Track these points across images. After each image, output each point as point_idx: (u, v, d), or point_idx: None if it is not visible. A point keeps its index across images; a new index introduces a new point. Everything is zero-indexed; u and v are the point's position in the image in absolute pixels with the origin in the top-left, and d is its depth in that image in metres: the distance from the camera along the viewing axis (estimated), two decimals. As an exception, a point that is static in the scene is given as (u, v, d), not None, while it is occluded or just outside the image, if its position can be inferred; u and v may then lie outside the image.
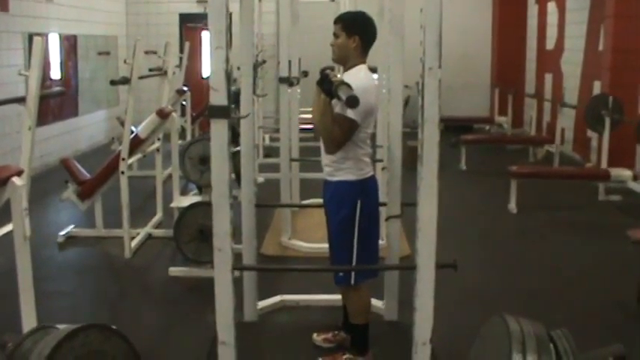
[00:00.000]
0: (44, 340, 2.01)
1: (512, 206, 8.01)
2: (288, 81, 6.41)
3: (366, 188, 3.93)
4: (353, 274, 3.93)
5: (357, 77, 3.73)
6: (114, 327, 2.31)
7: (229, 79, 2.90)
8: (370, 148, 4.00)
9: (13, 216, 3.48)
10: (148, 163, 8.82)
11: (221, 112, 2.88)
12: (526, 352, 2.04)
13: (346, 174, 3.86)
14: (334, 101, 3.64)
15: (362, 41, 3.86)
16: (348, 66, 3.90)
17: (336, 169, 3.88)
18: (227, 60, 2.85)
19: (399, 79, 4.46)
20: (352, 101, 3.32)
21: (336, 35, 3.91)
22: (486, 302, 5.18)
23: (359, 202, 3.84)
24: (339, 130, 3.69)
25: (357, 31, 3.87)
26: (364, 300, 4.09)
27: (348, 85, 3.43)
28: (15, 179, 3.44)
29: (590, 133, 10.10)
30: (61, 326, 2.27)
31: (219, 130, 2.90)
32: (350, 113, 3.62)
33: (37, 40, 3.91)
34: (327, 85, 3.59)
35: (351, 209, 3.84)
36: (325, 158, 3.93)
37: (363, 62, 3.90)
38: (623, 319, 5.00)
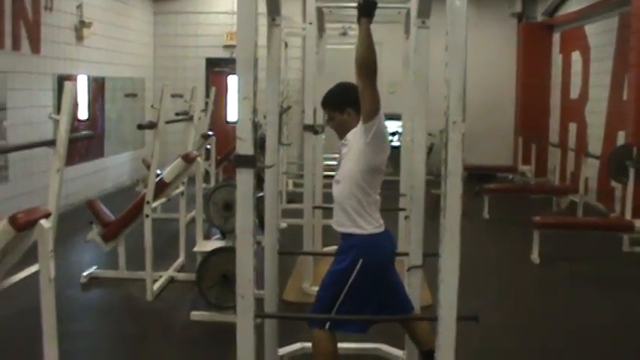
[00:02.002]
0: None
1: (535, 257, 7.96)
2: (313, 129, 6.46)
3: (375, 246, 3.90)
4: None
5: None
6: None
7: (256, 128, 2.94)
8: (379, 196, 4.00)
9: (39, 258, 3.52)
10: (171, 206, 8.88)
11: (247, 161, 2.91)
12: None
13: (354, 226, 3.87)
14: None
15: (355, 108, 3.89)
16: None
17: (346, 219, 3.89)
18: (254, 110, 2.90)
19: (423, 127, 4.48)
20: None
21: (331, 118, 4.04)
22: (506, 355, 5.14)
23: (360, 260, 3.82)
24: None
25: (347, 104, 3.94)
26: (331, 346, 3.99)
27: None
28: (43, 222, 3.48)
29: (614, 183, 10.06)
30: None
31: (244, 179, 2.93)
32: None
33: (67, 84, 4.00)
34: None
35: (350, 265, 3.83)
36: (336, 208, 3.96)
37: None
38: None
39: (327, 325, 3.90)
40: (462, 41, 2.82)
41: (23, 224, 3.41)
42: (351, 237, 3.89)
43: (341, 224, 3.94)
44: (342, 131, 4.01)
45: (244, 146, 2.91)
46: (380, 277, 3.96)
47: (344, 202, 3.89)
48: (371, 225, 3.87)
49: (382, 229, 3.95)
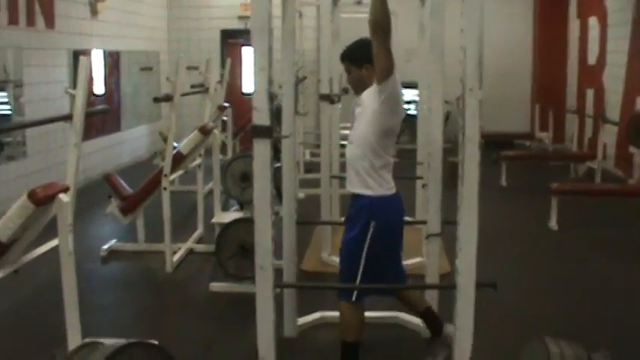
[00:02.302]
0: (91, 357, 2.06)
1: (553, 224, 7.95)
2: (329, 98, 6.44)
3: (385, 207, 3.90)
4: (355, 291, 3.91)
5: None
6: (159, 344, 2.35)
7: (272, 99, 2.94)
8: (392, 158, 3.98)
9: (59, 232, 3.55)
10: (189, 179, 8.91)
11: (264, 132, 2.92)
12: (567, 375, 2.05)
13: (365, 187, 3.87)
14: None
15: (373, 65, 3.88)
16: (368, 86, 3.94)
17: (358, 180, 3.89)
18: (270, 81, 2.90)
19: (440, 95, 4.47)
20: None
21: (348, 71, 4.02)
22: (526, 323, 5.14)
23: (372, 223, 3.82)
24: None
25: (365, 60, 3.88)
26: (358, 317, 4.03)
27: None
28: (61, 196, 3.51)
29: (632, 149, 9.99)
30: (106, 341, 2.32)
31: (261, 149, 2.94)
32: None
33: (82, 59, 4.00)
34: None
35: (364, 228, 3.84)
36: (348, 170, 3.95)
37: None
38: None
39: (355, 296, 3.91)
40: (478, 6, 2.80)
41: (42, 199, 3.44)
42: (361, 198, 3.90)
43: (353, 185, 3.95)
44: (358, 87, 4.00)
45: (261, 117, 2.91)
46: (393, 237, 3.99)
47: (356, 164, 3.90)
48: (382, 187, 3.87)
49: (393, 191, 3.94)
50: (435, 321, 4.20)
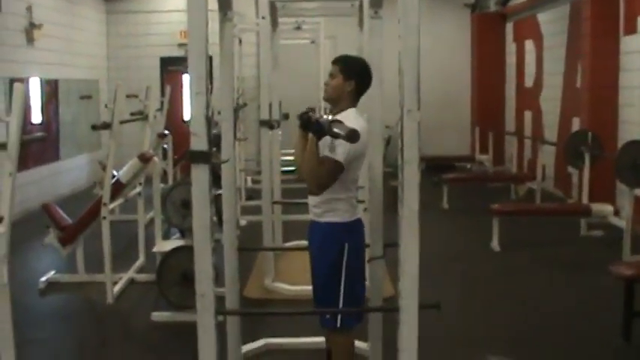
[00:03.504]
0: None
1: (495, 244, 8.04)
2: (269, 124, 6.43)
3: (354, 230, 3.95)
4: (339, 317, 3.91)
5: (348, 119, 3.71)
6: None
7: (210, 124, 2.91)
8: (357, 190, 4.02)
9: (-8, 264, 3.46)
10: (129, 208, 8.79)
11: (202, 157, 2.89)
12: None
13: (335, 216, 3.87)
14: (321, 142, 3.65)
15: (357, 87, 3.88)
16: (338, 109, 3.90)
17: (325, 210, 3.88)
18: (207, 105, 2.87)
19: (379, 119, 4.48)
20: (352, 135, 3.34)
21: (332, 75, 3.93)
22: (471, 343, 5.18)
23: (346, 245, 3.85)
24: (325, 172, 3.70)
25: (355, 76, 3.89)
26: (349, 343, 4.07)
27: (340, 122, 3.45)
28: (-5, 227, 3.42)
29: (570, 169, 10.19)
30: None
31: (200, 175, 2.91)
32: (337, 155, 3.63)
33: (17, 86, 3.92)
34: (316, 126, 3.59)
35: (339, 253, 3.85)
36: (312, 200, 3.93)
37: (354, 107, 3.92)
38: (609, 355, 5.00)
39: (339, 323, 3.92)
40: (415, 29, 2.81)
41: (-25, 229, 3.34)
42: (331, 225, 3.93)
43: (320, 216, 3.95)
44: (332, 95, 3.95)
45: (199, 142, 2.88)
46: (362, 260, 4.10)
47: (324, 196, 3.90)
48: (349, 213, 3.92)
49: (359, 216, 4.07)
50: None
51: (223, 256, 4.49)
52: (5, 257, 3.47)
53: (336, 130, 3.41)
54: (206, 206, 2.92)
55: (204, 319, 3.00)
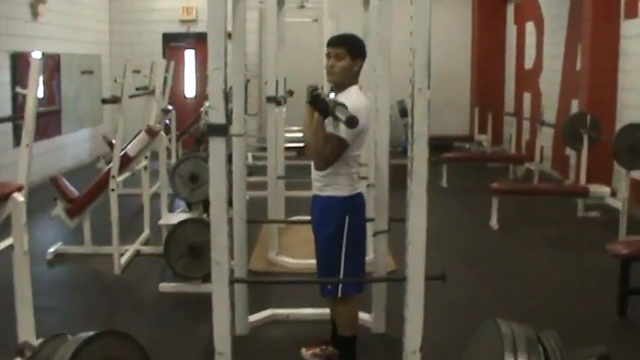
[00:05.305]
0: (63, 347, 2.11)
1: (494, 223, 8.16)
2: (276, 100, 6.53)
3: (355, 204, 4.08)
4: (341, 286, 4.05)
5: (351, 98, 3.85)
6: (129, 334, 2.42)
7: (227, 98, 3.02)
8: (359, 166, 4.14)
9: (13, 231, 3.56)
10: (132, 182, 8.90)
11: (220, 130, 2.99)
12: (517, 352, 2.18)
13: (336, 190, 4.00)
14: (327, 120, 3.77)
15: (362, 65, 4.01)
16: (343, 87, 4.01)
17: (325, 184, 4.01)
18: (225, 80, 2.97)
19: (386, 98, 4.60)
20: (352, 121, 3.46)
21: (338, 57, 3.97)
22: (472, 313, 5.29)
23: (347, 217, 3.98)
24: (330, 149, 3.82)
25: (362, 56, 4.01)
26: (352, 312, 4.22)
27: (344, 106, 3.57)
28: (16, 195, 3.53)
29: (568, 150, 10.30)
30: (70, 337, 2.37)
31: (217, 147, 3.01)
32: (342, 133, 3.75)
33: (34, 61, 4.03)
34: (322, 105, 3.71)
35: (339, 224, 3.99)
36: (315, 174, 4.06)
37: (356, 83, 4.04)
38: (604, 329, 5.13)
39: (340, 292, 4.08)
40: (427, 9, 2.93)
41: (-3, 198, 3.46)
42: (332, 199, 4.08)
43: (321, 189, 4.10)
44: (341, 77, 4.01)
45: (217, 115, 2.98)
46: (363, 233, 4.28)
47: (326, 171, 4.03)
48: (351, 187, 4.07)
49: (360, 190, 4.21)
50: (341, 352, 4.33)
51: (232, 229, 4.62)
52: (25, 226, 3.58)
53: (337, 113, 3.55)
54: (223, 178, 3.02)
55: (220, 285, 3.11)
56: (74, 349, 2.05)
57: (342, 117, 3.48)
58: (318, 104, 3.74)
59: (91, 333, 2.20)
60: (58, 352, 2.07)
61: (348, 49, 3.99)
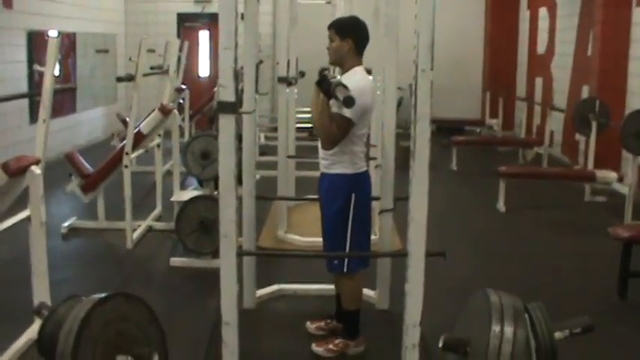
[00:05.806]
0: (78, 306, 2.24)
1: (501, 205, 8.25)
2: (287, 80, 6.63)
3: (360, 182, 4.19)
4: (346, 262, 4.17)
5: (354, 79, 3.98)
6: (138, 296, 2.54)
7: (237, 77, 3.12)
8: (365, 145, 4.25)
9: (30, 202, 3.70)
10: (146, 160, 9.02)
11: (229, 107, 3.09)
12: (504, 320, 2.30)
13: (342, 168, 4.11)
14: (332, 101, 3.89)
15: (355, 43, 4.11)
16: (345, 68, 4.15)
17: (332, 162, 4.13)
18: (236, 60, 3.07)
19: (393, 80, 4.68)
20: (348, 101, 3.62)
21: (330, 39, 4.15)
22: (473, 291, 5.40)
23: (353, 195, 4.10)
24: (336, 128, 3.94)
25: (350, 34, 4.11)
26: (357, 287, 4.34)
27: (345, 86, 3.70)
28: (33, 168, 3.66)
29: (578, 136, 10.36)
30: (84, 298, 2.49)
31: (227, 124, 3.10)
32: (346, 112, 3.87)
33: (52, 39, 4.15)
34: (326, 86, 3.85)
35: (346, 201, 4.10)
36: (322, 152, 4.18)
37: (359, 64, 4.14)
38: (604, 309, 5.23)
39: (346, 268, 4.19)
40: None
41: (15, 170, 3.59)
42: (339, 177, 4.18)
43: (328, 167, 4.21)
44: (335, 57, 4.18)
45: (226, 93, 3.08)
46: (368, 210, 4.35)
47: (333, 150, 4.14)
48: (357, 165, 4.16)
49: (365, 168, 4.28)
50: (344, 325, 4.45)
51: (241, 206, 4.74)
52: (42, 197, 3.71)
53: (337, 94, 3.70)
54: (232, 154, 3.11)
55: (227, 258, 3.20)
56: (89, 307, 2.18)
57: (340, 97, 3.63)
58: (323, 85, 3.87)
59: (104, 294, 2.32)
60: (74, 310, 2.20)
61: (337, 30, 4.14)
